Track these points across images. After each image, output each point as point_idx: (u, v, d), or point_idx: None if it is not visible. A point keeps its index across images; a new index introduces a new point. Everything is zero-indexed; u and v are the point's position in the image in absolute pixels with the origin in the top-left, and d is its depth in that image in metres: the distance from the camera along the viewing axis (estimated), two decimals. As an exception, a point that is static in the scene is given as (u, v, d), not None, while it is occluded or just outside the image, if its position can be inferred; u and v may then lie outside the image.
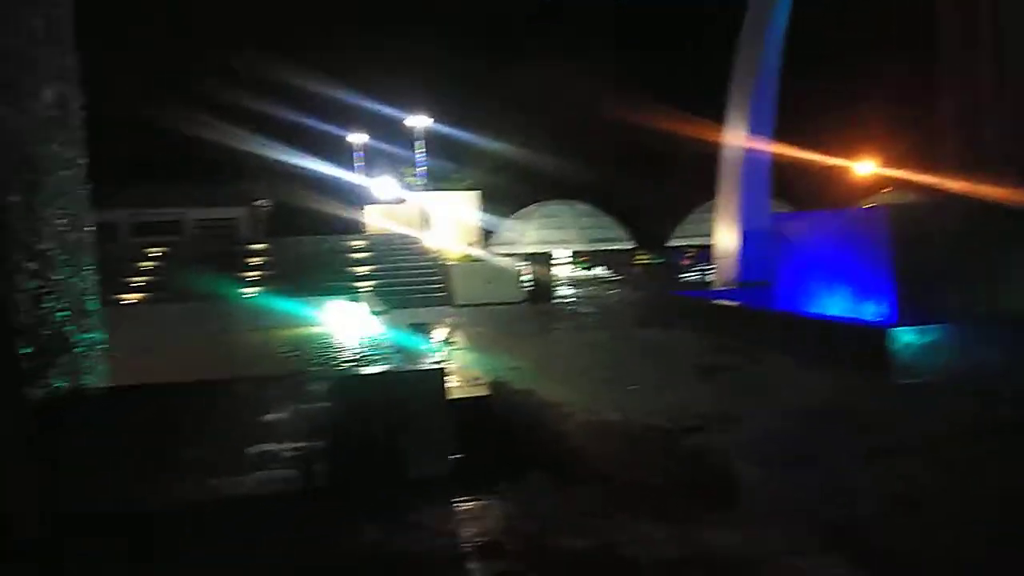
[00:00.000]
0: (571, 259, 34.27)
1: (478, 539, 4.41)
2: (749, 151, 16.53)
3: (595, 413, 7.44)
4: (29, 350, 4.61)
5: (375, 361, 7.66)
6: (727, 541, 4.23)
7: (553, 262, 27.88)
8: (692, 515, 4.62)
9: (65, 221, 5.37)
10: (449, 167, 32.83)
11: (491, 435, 6.18)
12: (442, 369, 5.80)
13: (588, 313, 18.83)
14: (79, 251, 5.56)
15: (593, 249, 32.70)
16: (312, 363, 8.29)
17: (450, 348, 11.21)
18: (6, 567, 4.00)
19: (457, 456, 5.51)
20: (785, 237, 11.85)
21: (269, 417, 5.27)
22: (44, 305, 4.89)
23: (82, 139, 5.87)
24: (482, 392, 7.70)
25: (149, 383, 5.49)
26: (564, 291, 25.22)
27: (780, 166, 17.72)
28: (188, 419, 5.14)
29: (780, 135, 16.95)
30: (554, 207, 31.84)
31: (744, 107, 16.56)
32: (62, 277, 5.21)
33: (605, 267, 35.81)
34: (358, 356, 8.45)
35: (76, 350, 5.28)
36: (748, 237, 16.24)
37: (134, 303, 17.48)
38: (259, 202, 30.77)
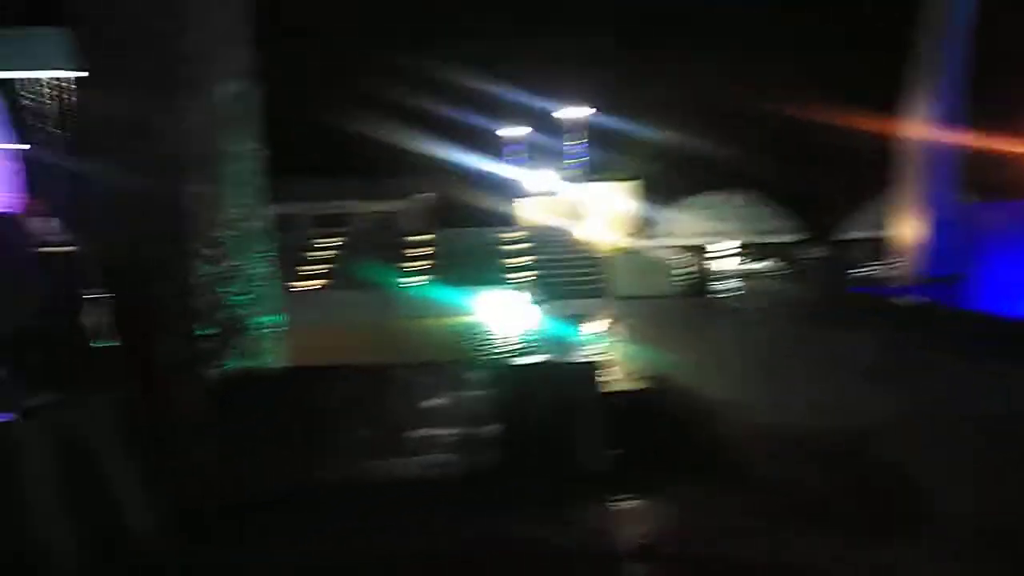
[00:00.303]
0: (733, 252, 32.92)
1: (632, 541, 4.17)
2: (934, 140, 15.09)
3: (761, 414, 6.94)
4: (207, 333, 4.85)
5: (533, 352, 7.57)
6: (909, 561, 3.73)
7: (714, 254, 26.84)
8: (866, 531, 4.13)
9: (243, 210, 5.63)
10: (607, 158, 32.40)
11: (649, 432, 5.90)
12: (600, 362, 5.59)
13: (752, 309, 17.93)
14: (256, 239, 5.82)
15: (757, 242, 31.20)
16: (472, 352, 8.34)
17: (608, 341, 10.95)
18: (196, 542, 4.20)
19: (614, 452, 5.28)
20: (985, 229, 10.61)
21: (430, 403, 5.28)
22: (222, 289, 5.13)
23: (258, 133, 6.16)
24: (641, 387, 7.40)
25: (318, 365, 5.66)
26: (725, 285, 24.22)
27: (967, 154, 16.09)
28: (354, 401, 5.24)
29: (967, 122, 15.39)
30: (715, 198, 30.64)
31: (929, 93, 15.13)
32: (239, 263, 5.46)
33: (770, 260, 34.06)
34: (517, 346, 8.41)
35: (251, 333, 5.53)
36: (938, 229, 14.80)
37: (309, 290, 18.59)
38: (422, 196, 31.78)
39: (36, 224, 4.55)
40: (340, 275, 19.11)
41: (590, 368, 5.52)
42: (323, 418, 5.13)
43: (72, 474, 3.79)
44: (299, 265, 20.33)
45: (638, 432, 5.72)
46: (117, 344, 4.64)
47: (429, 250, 21.67)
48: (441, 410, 5.21)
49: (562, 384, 5.41)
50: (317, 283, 19.53)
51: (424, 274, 19.47)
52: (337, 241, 22.96)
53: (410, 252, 21.61)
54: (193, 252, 4.84)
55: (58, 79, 7.28)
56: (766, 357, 10.26)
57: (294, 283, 19.45)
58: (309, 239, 23.44)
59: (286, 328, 5.89)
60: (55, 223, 4.82)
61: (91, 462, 3.83)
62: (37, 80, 8.79)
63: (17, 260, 3.87)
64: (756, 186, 30.96)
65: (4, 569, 3.72)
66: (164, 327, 4.71)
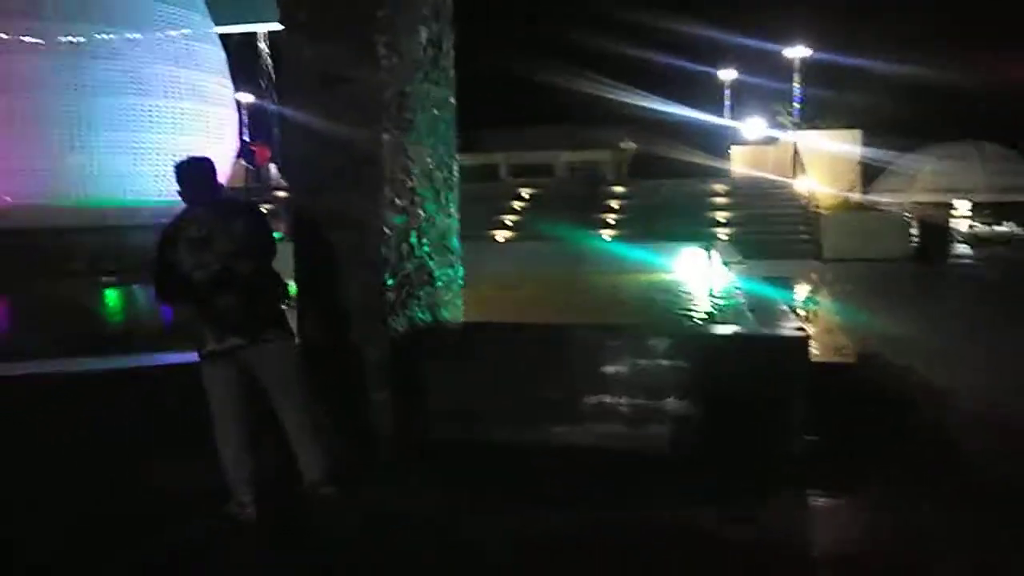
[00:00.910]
0: (974, 211, 29.10)
1: (825, 544, 3.67)
2: None
3: (991, 405, 5.97)
4: (392, 283, 4.85)
5: (728, 318, 7.01)
6: None
7: (950, 214, 23.85)
8: None
9: (433, 160, 5.56)
10: (828, 103, 29.63)
11: (854, 416, 5.25)
12: (806, 336, 4.98)
13: (994, 280, 15.77)
14: (445, 190, 5.76)
15: (1005, 201, 27.29)
16: (660, 314, 7.92)
17: (813, 307, 10.03)
18: (372, 488, 4.28)
19: (816, 437, 4.72)
20: None
21: (610, 368, 4.99)
22: (410, 241, 5.11)
23: (453, 80, 6.05)
24: (851, 363, 6.66)
25: (497, 322, 5.55)
26: (962, 249, 21.51)
27: None
28: (530, 360, 5.07)
29: None
30: (955, 148, 27.08)
31: None
32: (428, 214, 5.42)
33: (1016, 223, 29.89)
34: (709, 310, 7.87)
35: (436, 285, 5.50)
36: None
37: (503, 240, 18.86)
38: (623, 145, 31.11)
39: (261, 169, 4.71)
40: (532, 225, 19.17)
41: (793, 341, 4.93)
42: (498, 376, 5.01)
43: (250, 414, 3.94)
44: (500, 215, 20.69)
45: (844, 415, 5.11)
46: (303, 289, 4.79)
47: (627, 202, 21.17)
48: (622, 377, 4.90)
49: (756, 358, 4.88)
50: (508, 233, 19.75)
51: (620, 227, 19.06)
52: (533, 191, 23.04)
53: (606, 203, 21.24)
54: (383, 200, 4.81)
55: (271, 31, 7.60)
56: (1002, 335, 8.90)
57: (494, 232, 19.84)
58: (505, 188, 23.75)
59: (471, 279, 5.83)
60: (272, 168, 4.99)
61: (270, 404, 3.96)
62: (253, 33, 9.33)
63: (229, 207, 3.99)
64: (1003, 136, 27.05)
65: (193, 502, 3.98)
66: (350, 274, 4.75)
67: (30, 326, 8.25)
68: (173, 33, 10.36)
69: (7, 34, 9.78)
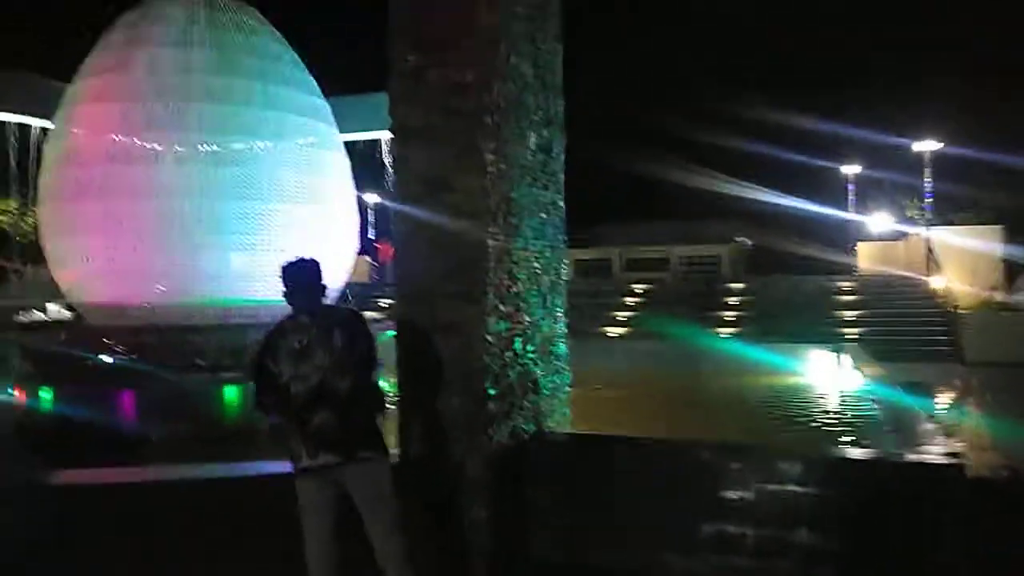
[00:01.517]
0: None
1: None
2: None
3: None
4: (495, 392, 4.63)
5: (866, 436, 6.36)
6: None
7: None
8: None
9: (540, 264, 5.41)
10: (961, 197, 28.02)
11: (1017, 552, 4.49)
12: (961, 464, 4.36)
13: None
14: (552, 294, 5.58)
15: None
16: (787, 428, 7.29)
17: (962, 419, 9.06)
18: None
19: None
20: None
21: (732, 493, 4.52)
22: (514, 347, 4.91)
23: (561, 182, 5.96)
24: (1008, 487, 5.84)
25: (607, 434, 5.20)
26: None
27: None
28: (644, 478, 4.68)
29: None
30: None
31: None
32: (533, 319, 5.23)
33: None
34: (842, 425, 7.18)
35: (542, 393, 5.25)
36: None
37: (616, 336, 18.47)
38: (739, 240, 30.38)
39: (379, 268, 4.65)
40: (645, 322, 18.69)
41: (946, 469, 4.32)
42: (608, 492, 4.63)
43: (343, 531, 3.73)
44: (605, 310, 20.38)
45: (1010, 549, 4.38)
46: (404, 398, 4.63)
47: (745, 298, 20.39)
48: (747, 503, 4.42)
49: (905, 486, 4.29)
50: (621, 330, 19.32)
51: (738, 325, 18.29)
52: (647, 286, 22.64)
53: (724, 300, 20.53)
54: (487, 306, 4.66)
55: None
56: None
57: (606, 329, 19.50)
58: (618, 283, 23.46)
59: (580, 380, 5.54)
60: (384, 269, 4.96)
61: (364, 520, 3.74)
62: (375, 140, 9.81)
63: (332, 316, 3.90)
64: None
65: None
66: (451, 383, 4.57)
67: (152, 420, 8.55)
68: (300, 142, 10.94)
69: (160, 145, 10.60)
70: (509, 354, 4.85)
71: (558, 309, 5.67)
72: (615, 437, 5.13)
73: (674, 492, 4.58)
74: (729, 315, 19.61)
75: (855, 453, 5.12)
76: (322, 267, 3.92)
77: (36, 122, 14.37)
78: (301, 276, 3.83)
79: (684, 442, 4.93)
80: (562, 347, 5.69)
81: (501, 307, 4.82)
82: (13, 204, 26.85)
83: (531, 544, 4.64)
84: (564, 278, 5.81)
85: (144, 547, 4.41)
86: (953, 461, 4.38)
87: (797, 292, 20.44)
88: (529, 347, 5.12)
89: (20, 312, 20.64)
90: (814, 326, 17.32)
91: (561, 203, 5.90)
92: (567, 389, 5.62)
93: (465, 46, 4.72)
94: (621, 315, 20.89)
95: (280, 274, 3.83)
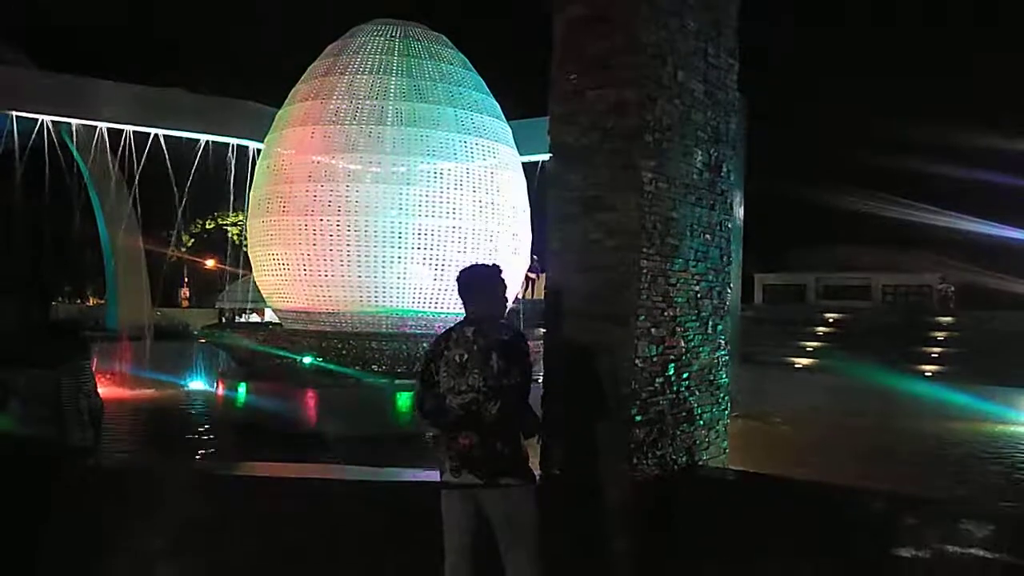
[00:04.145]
0: None
1: None
2: None
3: None
4: (641, 418, 4.46)
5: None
6: None
7: None
8: None
9: (702, 288, 5.19)
10: None
11: None
12: None
13: None
14: (715, 319, 5.33)
15: None
16: (983, 482, 6.43)
17: None
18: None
19: None
20: None
21: (904, 551, 4.04)
22: (667, 373, 4.72)
23: (732, 203, 5.68)
24: None
25: (763, 472, 4.85)
26: None
27: None
28: (801, 524, 4.30)
29: None
30: None
31: None
32: (691, 345, 5.01)
33: None
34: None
35: (697, 423, 5.00)
36: None
37: (803, 367, 17.29)
38: (942, 272, 27.57)
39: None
40: (838, 354, 17.33)
41: None
42: (758, 536, 4.30)
43: (484, 551, 3.72)
44: (795, 339, 19.13)
45: None
46: (550, 418, 4.55)
47: (953, 334, 18.34)
48: (919, 563, 3.93)
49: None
50: (810, 361, 18.03)
51: (942, 363, 16.49)
52: (842, 315, 21.04)
53: (927, 335, 18.60)
54: (636, 329, 4.52)
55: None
56: None
57: (794, 359, 18.33)
58: (811, 311, 21.98)
59: (755, 410, 5.22)
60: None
61: (500, 545, 3.70)
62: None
63: (497, 333, 3.75)
64: None
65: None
66: (597, 407, 4.46)
67: (331, 419, 9.13)
68: (482, 163, 11.32)
69: (356, 166, 11.42)
70: (660, 380, 4.67)
71: (721, 336, 5.40)
72: (771, 476, 4.78)
73: (830, 543, 4.16)
74: (933, 352, 17.74)
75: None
76: (503, 273, 3.84)
77: (255, 144, 16.03)
78: (478, 280, 3.81)
79: (849, 488, 4.49)
80: (724, 376, 5.40)
81: (654, 330, 4.65)
82: (239, 217, 30.08)
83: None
84: (728, 302, 5.52)
85: (278, 543, 4.63)
86: None
87: (1012, 329, 18.09)
88: (684, 374, 4.91)
89: (239, 313, 22.99)
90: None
91: (730, 224, 5.62)
92: (726, 421, 5.32)
93: (625, 64, 4.63)
94: (811, 345, 19.54)
95: (459, 277, 3.83)
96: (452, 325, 3.85)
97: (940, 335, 19.03)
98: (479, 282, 3.82)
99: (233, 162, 17.46)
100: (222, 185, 17.78)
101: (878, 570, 3.98)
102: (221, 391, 11.06)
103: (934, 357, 17.52)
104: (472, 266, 3.89)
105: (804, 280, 28.45)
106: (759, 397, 10.17)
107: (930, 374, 15.76)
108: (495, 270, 3.84)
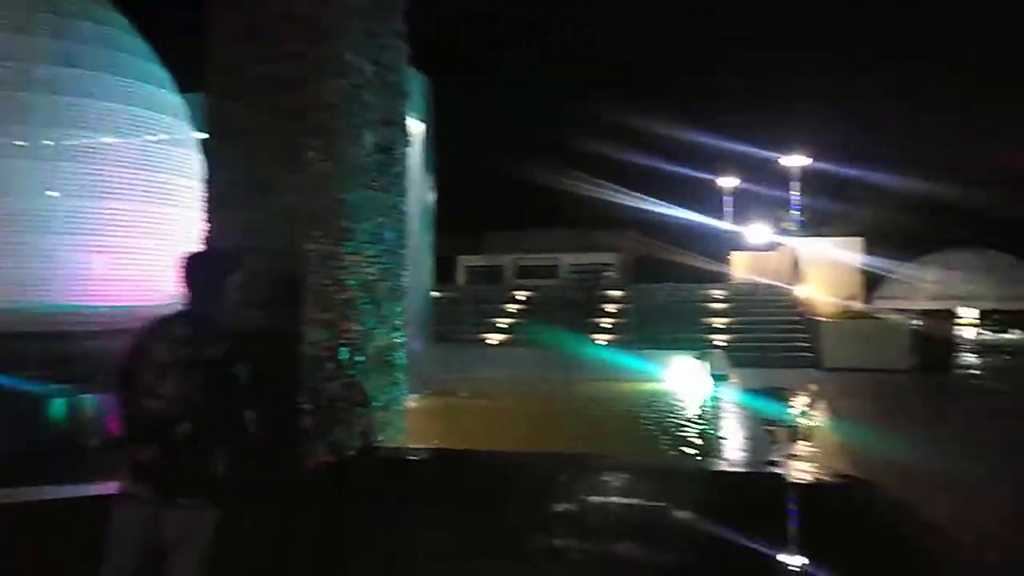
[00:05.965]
0: (979, 319, 28.44)
1: None
2: None
3: (1002, 531, 5.28)
4: (312, 406, 4.35)
5: (710, 441, 6.45)
6: None
7: (955, 322, 23.20)
8: None
9: (376, 271, 5.18)
10: (828, 210, 29.68)
11: (851, 546, 4.60)
12: (783, 478, 4.41)
13: (1006, 391, 15.06)
14: (389, 301, 5.35)
15: (1012, 308, 26.68)
16: (640, 433, 7.33)
17: (810, 425, 9.41)
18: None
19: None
20: None
21: (565, 505, 4.42)
22: (338, 358, 4.65)
23: (405, 186, 5.74)
24: (844, 485, 6.05)
25: (435, 448, 5.01)
26: (969, 359, 20.80)
27: None
28: (471, 492, 4.50)
29: None
30: (960, 256, 26.67)
31: None
32: (365, 328, 4.98)
33: (1024, 331, 29.13)
34: (695, 429, 7.29)
35: (373, 405, 5.00)
36: None
37: (495, 344, 18.41)
38: (620, 250, 31.10)
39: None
40: (526, 329, 18.73)
41: (773, 481, 4.37)
42: (432, 508, 4.43)
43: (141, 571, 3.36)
44: (488, 317, 20.29)
45: (835, 546, 4.47)
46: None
47: (623, 306, 20.77)
48: (579, 515, 4.32)
49: (739, 496, 4.31)
50: (502, 336, 19.28)
51: (615, 332, 18.59)
52: (530, 294, 22.73)
53: (602, 308, 20.84)
54: (304, 314, 4.38)
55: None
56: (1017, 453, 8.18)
57: (486, 336, 19.40)
58: (505, 291, 23.47)
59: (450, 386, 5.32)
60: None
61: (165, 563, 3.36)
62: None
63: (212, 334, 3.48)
64: (1008, 245, 26.77)
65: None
66: (269, 403, 4.26)
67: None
68: (150, 139, 10.29)
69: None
70: (331, 365, 4.59)
71: (396, 318, 5.44)
72: (442, 450, 4.96)
73: (502, 505, 4.42)
74: (607, 322, 19.92)
75: (685, 465, 5.15)
76: (234, 263, 3.58)
77: None
78: (198, 269, 3.49)
79: (512, 454, 4.81)
80: (400, 357, 5.46)
81: (324, 315, 4.55)
82: None
83: (350, 566, 4.38)
84: (404, 285, 5.58)
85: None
86: (774, 474, 4.43)
87: (672, 300, 21.00)
88: (358, 357, 4.87)
89: None
90: (687, 333, 17.81)
91: (404, 207, 5.68)
92: (402, 401, 5.40)
93: (283, 36, 4.44)
94: (502, 322, 20.85)
95: (181, 262, 3.47)
96: (166, 315, 3.45)
97: (612, 307, 21.36)
98: (199, 272, 3.50)
99: None
100: None
101: (530, 523, 4.28)
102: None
103: (607, 327, 19.64)
104: (198, 252, 3.58)
105: (502, 261, 30.30)
106: (452, 374, 10.64)
107: (604, 341, 17.61)
108: (222, 258, 3.52)
